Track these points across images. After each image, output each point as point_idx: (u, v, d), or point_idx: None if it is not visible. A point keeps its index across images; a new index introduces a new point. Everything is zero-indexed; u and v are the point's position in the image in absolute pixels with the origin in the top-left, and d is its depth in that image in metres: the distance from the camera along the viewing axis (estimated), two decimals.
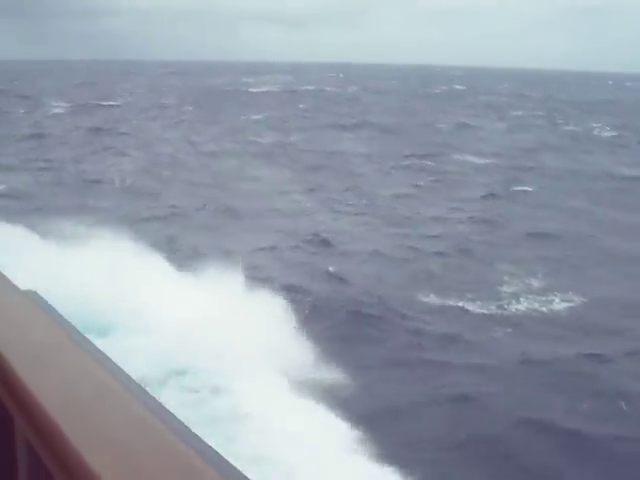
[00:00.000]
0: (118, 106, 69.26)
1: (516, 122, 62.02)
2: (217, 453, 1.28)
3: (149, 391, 1.66)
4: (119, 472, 0.96)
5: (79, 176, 32.86)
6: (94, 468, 0.95)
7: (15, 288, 1.81)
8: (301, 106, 73.11)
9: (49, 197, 28.00)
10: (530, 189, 32.21)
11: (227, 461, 1.20)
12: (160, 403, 1.50)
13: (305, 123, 56.87)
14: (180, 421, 1.53)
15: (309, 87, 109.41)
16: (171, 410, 1.48)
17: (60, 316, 2.31)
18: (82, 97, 75.05)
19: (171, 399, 9.48)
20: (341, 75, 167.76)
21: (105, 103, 70.65)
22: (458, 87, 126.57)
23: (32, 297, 1.99)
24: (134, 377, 1.55)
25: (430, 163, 39.02)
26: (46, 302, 2.40)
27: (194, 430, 1.46)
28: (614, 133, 57.35)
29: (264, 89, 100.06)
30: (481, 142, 47.76)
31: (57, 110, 63.56)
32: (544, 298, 17.79)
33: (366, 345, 15.13)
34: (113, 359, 1.74)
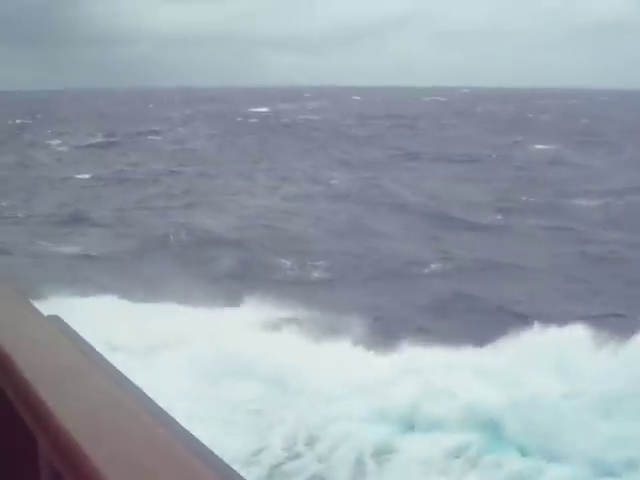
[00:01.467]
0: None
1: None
2: (231, 468, 1.17)
3: (173, 416, 1.36)
4: None
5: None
6: None
7: (38, 313, 1.85)
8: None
9: None
10: None
11: (241, 476, 1.12)
12: (183, 426, 1.29)
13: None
14: (205, 446, 1.31)
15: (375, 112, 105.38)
16: (195, 435, 1.26)
17: (83, 340, 2.12)
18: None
19: None
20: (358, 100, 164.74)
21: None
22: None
23: (55, 322, 1.98)
24: (158, 401, 1.34)
25: None
26: (69, 326, 2.23)
27: (220, 456, 1.23)
28: None
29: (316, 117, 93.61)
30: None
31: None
32: None
33: None
34: (136, 382, 1.54)
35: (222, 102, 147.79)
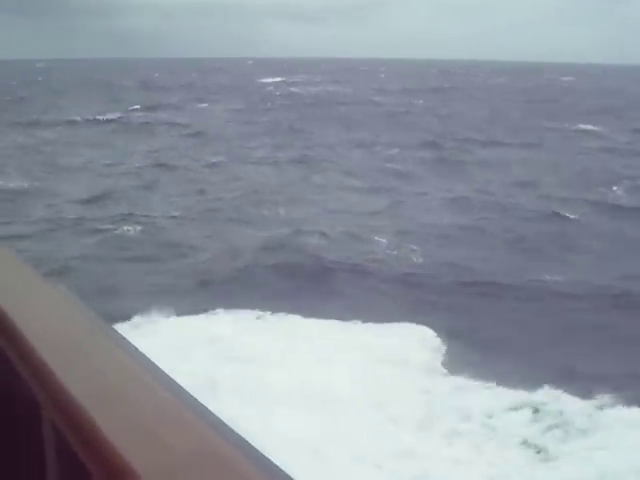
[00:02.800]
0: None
1: None
2: (245, 440, 1.12)
3: (176, 380, 1.28)
4: (148, 457, 0.97)
5: None
6: (123, 453, 0.96)
7: (41, 280, 1.85)
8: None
9: None
10: None
11: (255, 448, 1.07)
12: (187, 391, 1.27)
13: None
14: (208, 409, 1.26)
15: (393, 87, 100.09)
16: (199, 398, 1.23)
17: (87, 308, 1.78)
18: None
19: None
20: (382, 75, 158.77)
21: None
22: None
23: (58, 289, 1.79)
24: (162, 367, 1.33)
25: None
26: (71, 293, 1.92)
27: (223, 419, 1.20)
28: None
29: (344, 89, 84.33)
30: None
31: None
32: None
33: None
34: (140, 348, 1.47)
35: (233, 75, 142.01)
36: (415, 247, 22.19)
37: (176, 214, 26.35)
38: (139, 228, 24.21)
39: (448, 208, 26.95)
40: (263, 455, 1.13)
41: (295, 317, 16.11)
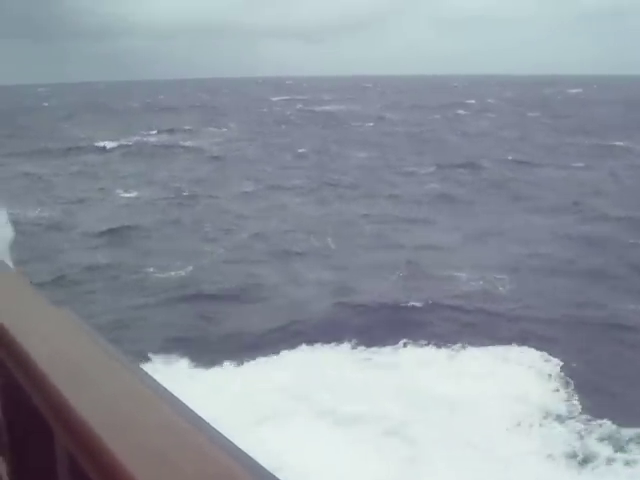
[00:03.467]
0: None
1: None
2: (255, 461, 1.15)
3: (188, 404, 1.26)
4: None
5: None
6: (136, 477, 0.98)
7: (49, 305, 1.87)
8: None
9: None
10: None
11: (265, 468, 1.11)
12: (202, 418, 1.27)
13: None
14: (219, 432, 1.27)
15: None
16: (210, 421, 1.23)
17: (95, 331, 1.81)
18: None
19: None
20: (387, 92, 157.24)
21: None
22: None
23: (66, 313, 1.82)
24: (173, 391, 1.30)
25: None
26: (79, 318, 1.93)
27: (235, 441, 1.20)
28: None
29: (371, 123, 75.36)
30: None
31: None
32: None
33: None
34: (150, 373, 1.47)
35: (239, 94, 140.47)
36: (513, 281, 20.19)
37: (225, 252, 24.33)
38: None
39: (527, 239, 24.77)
40: (270, 473, 1.09)
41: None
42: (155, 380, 1.40)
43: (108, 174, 40.90)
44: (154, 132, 64.19)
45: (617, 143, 52.03)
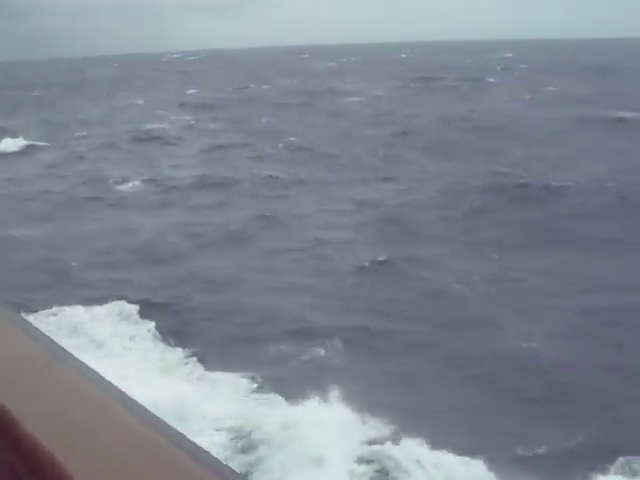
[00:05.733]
0: None
1: None
2: (219, 461, 1.11)
3: (143, 404, 1.17)
4: None
5: None
6: None
7: None
8: None
9: None
10: None
11: (229, 467, 1.08)
12: (159, 417, 1.19)
13: None
14: (178, 431, 1.20)
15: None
16: (168, 422, 1.18)
17: (36, 329, 1.68)
18: None
19: None
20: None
21: None
22: None
23: (4, 311, 1.69)
24: (126, 391, 1.25)
25: None
26: (20, 316, 1.86)
27: (194, 440, 1.16)
28: None
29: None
30: None
31: None
32: None
33: None
34: (101, 373, 1.38)
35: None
36: None
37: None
38: None
39: None
40: (234, 471, 1.06)
41: None
42: (107, 380, 1.23)
43: None
44: None
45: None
